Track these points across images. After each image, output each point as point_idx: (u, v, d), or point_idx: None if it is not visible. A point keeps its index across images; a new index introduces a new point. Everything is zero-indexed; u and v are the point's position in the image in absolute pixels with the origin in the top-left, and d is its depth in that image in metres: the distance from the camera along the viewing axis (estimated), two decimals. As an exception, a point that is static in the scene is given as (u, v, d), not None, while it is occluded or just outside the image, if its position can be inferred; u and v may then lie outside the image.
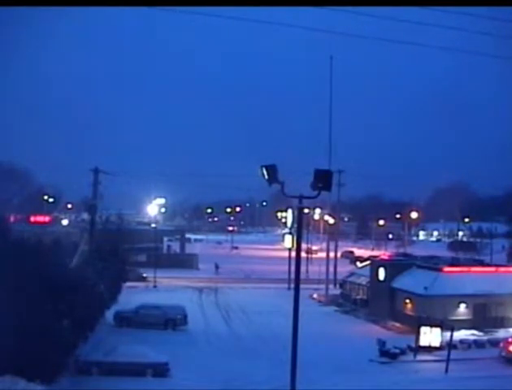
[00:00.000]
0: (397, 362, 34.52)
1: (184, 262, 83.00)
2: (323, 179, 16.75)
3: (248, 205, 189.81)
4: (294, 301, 17.45)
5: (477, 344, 38.73)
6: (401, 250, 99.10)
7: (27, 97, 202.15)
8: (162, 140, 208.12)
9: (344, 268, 68.30)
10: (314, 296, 59.99)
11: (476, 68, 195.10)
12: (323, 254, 68.39)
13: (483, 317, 43.39)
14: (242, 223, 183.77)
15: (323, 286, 59.60)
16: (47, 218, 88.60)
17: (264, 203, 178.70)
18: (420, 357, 35.66)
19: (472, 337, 40.16)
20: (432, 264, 51.21)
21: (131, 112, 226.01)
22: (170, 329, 40.17)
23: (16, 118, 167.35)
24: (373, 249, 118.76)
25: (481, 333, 41.61)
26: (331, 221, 72.76)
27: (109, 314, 39.35)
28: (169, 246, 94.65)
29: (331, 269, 63.59)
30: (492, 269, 50.61)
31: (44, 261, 25.30)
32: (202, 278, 70.05)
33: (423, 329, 36.74)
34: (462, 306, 43.48)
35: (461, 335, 39.37)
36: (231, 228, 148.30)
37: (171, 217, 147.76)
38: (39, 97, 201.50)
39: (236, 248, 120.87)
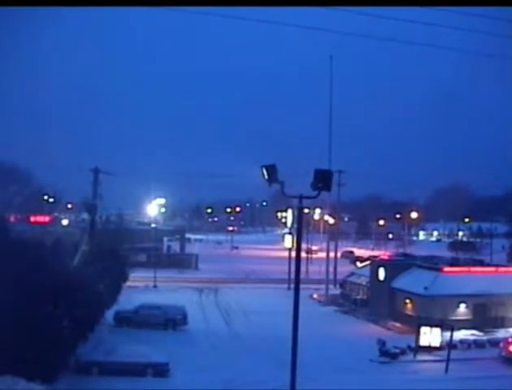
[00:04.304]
0: (396, 362, 34.54)
1: (184, 262, 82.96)
2: (323, 179, 16.74)
3: (248, 205, 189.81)
4: (294, 301, 17.44)
5: (477, 344, 38.72)
6: (401, 250, 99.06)
7: (27, 97, 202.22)
8: (162, 140, 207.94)
9: (344, 268, 68.26)
10: (314, 296, 59.98)
11: (477, 68, 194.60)
12: (323, 254, 68.38)
13: (483, 317, 43.39)
14: (242, 223, 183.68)
15: (323, 286, 59.58)
16: (47, 218, 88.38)
17: (264, 203, 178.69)
18: (420, 357, 35.68)
19: (472, 337, 40.15)
20: (432, 264, 51.21)
21: (131, 112, 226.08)
22: (170, 329, 40.19)
23: (17, 118, 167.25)
24: (373, 249, 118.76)
25: (481, 333, 41.61)
26: (331, 221, 72.74)
27: (109, 314, 39.35)
28: (169, 246, 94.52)
29: (331, 269, 63.57)
30: (492, 269, 50.62)
31: (44, 261, 25.31)
32: (202, 278, 70.03)
33: (423, 329, 36.73)
34: (462, 306, 43.48)
35: (461, 335, 39.38)
36: (231, 228, 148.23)
37: (171, 217, 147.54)
38: (39, 97, 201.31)
39: (236, 248, 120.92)
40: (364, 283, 53.88)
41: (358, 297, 53.97)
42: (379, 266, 50.52)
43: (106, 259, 40.05)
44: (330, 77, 58.90)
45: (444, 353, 33.92)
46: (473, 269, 49.08)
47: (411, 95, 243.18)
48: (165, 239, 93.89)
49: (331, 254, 64.45)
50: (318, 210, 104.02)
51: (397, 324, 44.75)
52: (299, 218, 20.92)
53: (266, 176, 16.92)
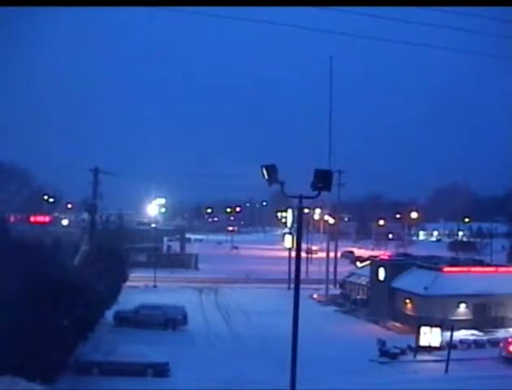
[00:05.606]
0: (396, 362, 34.52)
1: (183, 262, 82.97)
2: (323, 179, 16.71)
3: (248, 205, 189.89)
4: (294, 301, 17.42)
5: (477, 344, 38.71)
6: (401, 250, 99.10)
7: (27, 96, 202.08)
8: (162, 140, 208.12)
9: (344, 268, 68.29)
10: (314, 296, 59.98)
11: (477, 68, 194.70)
12: (323, 254, 68.36)
13: (483, 317, 43.38)
14: (242, 223, 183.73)
15: (323, 286, 59.58)
16: (47, 218, 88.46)
17: (264, 203, 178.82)
18: (420, 357, 35.67)
19: (472, 337, 40.14)
20: (432, 264, 51.23)
21: (131, 112, 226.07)
22: (170, 329, 40.18)
23: (16, 118, 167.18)
24: (373, 249, 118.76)
25: (481, 333, 41.60)
26: (331, 221, 72.73)
27: (109, 314, 39.34)
28: (169, 246, 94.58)
29: (331, 269, 63.57)
30: (492, 269, 50.64)
31: (44, 261, 25.30)
32: (202, 278, 70.04)
33: (423, 329, 36.74)
34: (462, 306, 43.47)
35: (461, 335, 39.37)
36: (231, 228, 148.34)
37: (171, 217, 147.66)
38: (39, 97, 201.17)
39: (236, 248, 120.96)
40: (364, 283, 53.85)
41: (358, 297, 53.94)
42: (379, 266, 50.49)
43: (106, 259, 40.03)
44: (330, 77, 58.93)
45: (444, 353, 33.91)
46: (473, 269, 49.07)
47: (411, 95, 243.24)
48: (165, 239, 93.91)
49: (331, 254, 64.46)
50: (318, 210, 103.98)
51: (397, 324, 44.74)
52: (299, 218, 20.89)
53: (266, 176, 16.89)
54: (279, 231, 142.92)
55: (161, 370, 29.06)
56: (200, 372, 29.44)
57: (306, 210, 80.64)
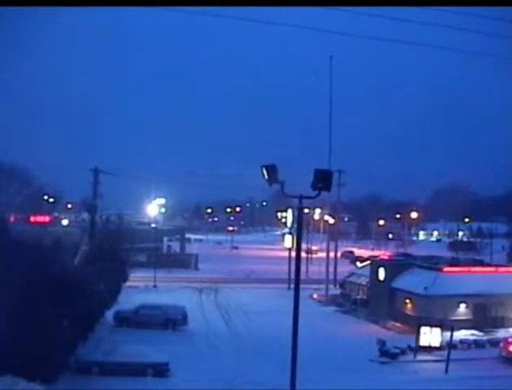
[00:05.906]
0: (396, 362, 34.53)
1: (183, 262, 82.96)
2: (323, 179, 16.70)
3: (248, 205, 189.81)
4: (294, 301, 17.42)
5: (477, 344, 38.71)
6: (401, 250, 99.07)
7: (27, 96, 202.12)
8: (162, 140, 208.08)
9: (344, 268, 68.27)
10: (314, 296, 59.98)
11: (477, 68, 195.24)
12: (323, 254, 68.37)
13: (483, 317, 43.38)
14: (242, 223, 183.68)
15: (323, 286, 59.57)
16: (47, 218, 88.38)
17: (264, 203, 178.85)
18: (420, 357, 35.66)
19: (472, 337, 40.15)
20: (432, 264, 51.22)
21: (131, 112, 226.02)
22: (170, 329, 40.17)
23: (16, 118, 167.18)
24: (373, 249, 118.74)
25: (481, 333, 41.61)
26: (331, 221, 72.72)
27: (109, 314, 39.34)
28: (169, 246, 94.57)
29: (331, 269, 63.56)
30: (492, 269, 50.64)
31: (44, 261, 25.31)
32: (202, 278, 70.04)
33: (423, 329, 36.74)
34: (462, 306, 43.47)
35: (461, 335, 39.37)
36: (231, 228, 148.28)
37: (171, 217, 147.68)
38: (39, 97, 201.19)
39: (236, 248, 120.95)
40: (364, 283, 53.85)
41: (358, 297, 53.95)
42: (379, 266, 50.49)
43: (106, 259, 40.06)
44: (330, 77, 58.91)
45: (444, 353, 33.91)
46: (473, 269, 49.11)
47: (411, 95, 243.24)
48: (165, 239, 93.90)
49: (331, 254, 64.44)
50: (318, 210, 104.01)
51: (397, 324, 44.74)
52: (299, 218, 20.89)
53: (266, 176, 16.89)
54: (279, 231, 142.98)
55: (161, 370, 29.05)
56: (200, 372, 29.45)
57: (306, 210, 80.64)
